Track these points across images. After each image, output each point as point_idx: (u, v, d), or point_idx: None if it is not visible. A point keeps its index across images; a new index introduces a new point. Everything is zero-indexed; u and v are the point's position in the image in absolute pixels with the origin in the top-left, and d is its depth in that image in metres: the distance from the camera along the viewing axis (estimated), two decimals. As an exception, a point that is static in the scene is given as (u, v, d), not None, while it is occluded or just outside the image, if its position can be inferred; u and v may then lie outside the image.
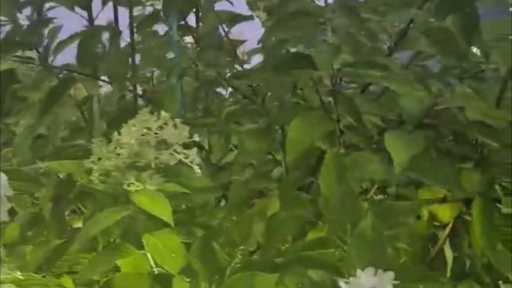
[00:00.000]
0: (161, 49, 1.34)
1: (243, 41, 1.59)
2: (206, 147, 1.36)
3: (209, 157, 1.31)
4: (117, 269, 0.98)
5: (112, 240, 0.89)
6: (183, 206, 1.04)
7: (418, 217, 1.14)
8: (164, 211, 0.79)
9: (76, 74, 1.17)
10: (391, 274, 0.68)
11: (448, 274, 1.11)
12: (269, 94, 1.22)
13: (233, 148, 1.28)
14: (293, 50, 1.15)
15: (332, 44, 0.95)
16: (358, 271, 0.68)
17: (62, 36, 1.33)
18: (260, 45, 1.34)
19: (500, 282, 0.98)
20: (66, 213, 1.08)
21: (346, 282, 0.68)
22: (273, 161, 1.28)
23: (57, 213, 0.95)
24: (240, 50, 1.55)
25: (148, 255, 0.88)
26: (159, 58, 1.32)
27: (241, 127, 1.18)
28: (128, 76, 1.28)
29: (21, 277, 0.87)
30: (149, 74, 1.60)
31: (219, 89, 1.50)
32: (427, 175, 0.98)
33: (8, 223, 0.94)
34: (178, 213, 1.06)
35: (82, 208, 1.16)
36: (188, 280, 0.79)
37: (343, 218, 0.79)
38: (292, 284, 0.81)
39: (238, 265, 0.85)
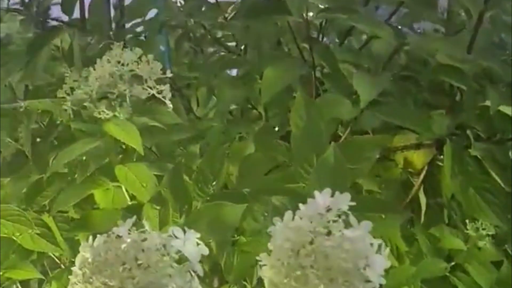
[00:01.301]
0: (147, 5, 1.37)
1: (232, 3, 1.62)
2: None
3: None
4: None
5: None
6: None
7: (394, 163, 1.18)
8: (133, 140, 0.82)
9: (61, 24, 1.20)
10: (347, 196, 0.70)
11: (422, 219, 1.14)
12: (249, 44, 1.24)
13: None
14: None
15: (305, -11, 0.98)
16: (315, 192, 0.70)
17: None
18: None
19: (467, 221, 1.01)
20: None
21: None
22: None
23: (39, 151, 0.98)
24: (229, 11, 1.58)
25: (123, 188, 0.91)
26: (144, 13, 1.34)
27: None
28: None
29: (-1, 207, 0.91)
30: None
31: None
32: (399, 117, 1.00)
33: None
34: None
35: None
36: (157, 208, 0.82)
37: (308, 149, 0.81)
38: (259, 213, 0.84)
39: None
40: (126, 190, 0.94)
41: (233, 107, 1.37)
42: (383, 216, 0.82)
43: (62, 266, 1.31)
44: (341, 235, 0.66)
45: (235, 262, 1.11)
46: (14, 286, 1.25)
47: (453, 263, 1.03)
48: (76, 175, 0.94)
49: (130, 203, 0.92)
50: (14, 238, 0.92)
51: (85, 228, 0.94)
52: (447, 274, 1.04)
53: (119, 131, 0.83)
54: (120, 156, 0.94)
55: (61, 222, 1.00)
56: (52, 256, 1.34)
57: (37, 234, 0.94)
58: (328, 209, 0.68)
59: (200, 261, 0.72)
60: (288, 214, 0.69)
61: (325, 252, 0.65)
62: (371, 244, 0.68)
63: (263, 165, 1.00)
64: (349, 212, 0.68)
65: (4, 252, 1.07)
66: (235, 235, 1.16)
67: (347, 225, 0.68)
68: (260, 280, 0.99)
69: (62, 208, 0.94)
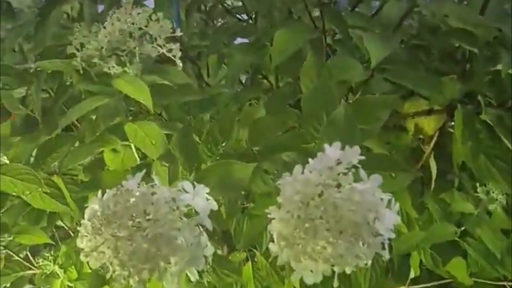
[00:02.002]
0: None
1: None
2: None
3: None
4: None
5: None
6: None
7: (405, 130, 1.17)
8: (143, 96, 0.82)
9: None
10: (357, 149, 0.69)
11: (433, 185, 1.13)
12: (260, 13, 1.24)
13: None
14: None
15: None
16: (325, 145, 0.69)
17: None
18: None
19: (477, 184, 1.00)
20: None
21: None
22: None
23: (48, 113, 0.98)
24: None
25: (133, 148, 0.91)
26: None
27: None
28: None
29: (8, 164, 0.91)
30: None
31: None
32: (410, 81, 1.00)
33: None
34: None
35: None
36: (167, 165, 0.82)
37: (318, 109, 0.81)
38: (269, 177, 0.84)
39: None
40: (136, 150, 0.94)
41: (243, 78, 1.37)
42: (393, 175, 0.81)
43: (72, 234, 1.32)
44: (350, 188, 0.66)
45: (244, 228, 1.11)
46: (24, 252, 1.26)
47: (463, 228, 1.02)
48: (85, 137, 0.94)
49: (139, 163, 0.92)
50: (24, 197, 0.92)
51: (95, 188, 0.94)
52: (457, 239, 1.03)
53: (129, 87, 0.83)
54: (130, 118, 0.94)
55: (71, 184, 1.00)
56: (63, 225, 1.35)
57: (47, 193, 0.93)
58: (338, 162, 0.67)
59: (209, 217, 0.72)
60: (298, 167, 0.68)
61: (335, 203, 0.65)
62: (381, 199, 0.67)
63: (273, 128, 0.99)
64: (359, 166, 0.67)
65: (15, 216, 1.08)
66: (245, 202, 1.16)
67: (357, 180, 0.67)
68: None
69: (72, 165, 0.94)
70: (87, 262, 0.69)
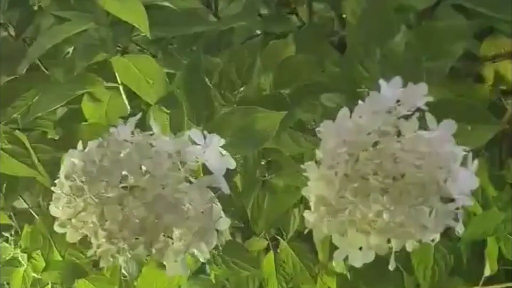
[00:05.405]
0: None
1: None
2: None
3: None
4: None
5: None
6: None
7: (482, 80, 1.17)
8: (138, 18, 0.82)
9: None
10: (423, 86, 0.69)
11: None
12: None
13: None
14: None
15: None
16: (380, 81, 0.69)
17: None
18: None
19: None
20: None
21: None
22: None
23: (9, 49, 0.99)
24: None
25: (122, 93, 0.91)
26: None
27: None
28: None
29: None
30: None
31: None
32: (492, 7, 0.99)
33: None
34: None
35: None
36: (167, 111, 0.82)
37: (369, 38, 0.81)
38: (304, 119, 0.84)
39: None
40: (126, 96, 0.94)
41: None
42: (470, 128, 0.81)
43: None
44: (415, 136, 0.66)
45: (265, 206, 1.11)
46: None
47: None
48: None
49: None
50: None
51: (69, 147, 0.94)
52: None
53: (119, 6, 0.82)
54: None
55: (38, 142, 1.00)
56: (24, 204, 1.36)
57: (6, 152, 0.93)
58: (398, 104, 0.68)
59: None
60: (344, 110, 0.68)
61: (394, 156, 0.65)
62: (455, 153, 0.67)
63: (307, 70, 0.99)
64: (425, 108, 0.67)
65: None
66: (266, 174, 1.16)
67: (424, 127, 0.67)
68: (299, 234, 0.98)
69: (41, 112, 0.94)
70: (63, 235, 0.70)
